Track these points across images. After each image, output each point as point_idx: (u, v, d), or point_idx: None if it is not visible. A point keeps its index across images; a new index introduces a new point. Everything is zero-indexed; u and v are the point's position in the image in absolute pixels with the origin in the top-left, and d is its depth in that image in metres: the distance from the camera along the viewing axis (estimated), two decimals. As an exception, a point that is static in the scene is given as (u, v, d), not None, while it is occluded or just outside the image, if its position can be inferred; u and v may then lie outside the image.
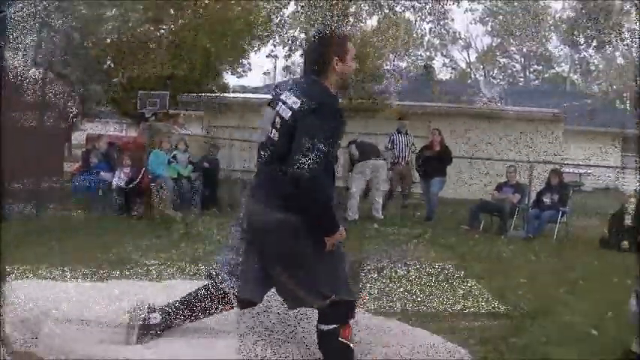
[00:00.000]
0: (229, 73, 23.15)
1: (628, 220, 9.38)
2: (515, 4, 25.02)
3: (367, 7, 16.27)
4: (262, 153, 3.28)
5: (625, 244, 9.00)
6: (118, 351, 3.25)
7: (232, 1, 18.48)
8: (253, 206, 3.26)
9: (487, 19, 38.90)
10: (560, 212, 10.08)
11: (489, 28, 40.22)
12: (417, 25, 17.27)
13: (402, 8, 16.38)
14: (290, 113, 3.10)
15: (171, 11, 18.80)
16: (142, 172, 10.45)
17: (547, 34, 31.11)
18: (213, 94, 19.31)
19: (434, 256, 7.40)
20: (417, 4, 15.87)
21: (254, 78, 58.75)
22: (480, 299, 5.30)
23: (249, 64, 23.09)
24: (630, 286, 4.52)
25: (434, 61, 33.35)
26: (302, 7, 15.93)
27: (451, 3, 16.22)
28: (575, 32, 18.52)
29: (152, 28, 18.65)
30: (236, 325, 3.70)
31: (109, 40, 18.62)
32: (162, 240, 7.61)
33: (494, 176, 12.71)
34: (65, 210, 9.88)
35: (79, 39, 17.83)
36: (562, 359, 4.01)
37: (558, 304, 5.36)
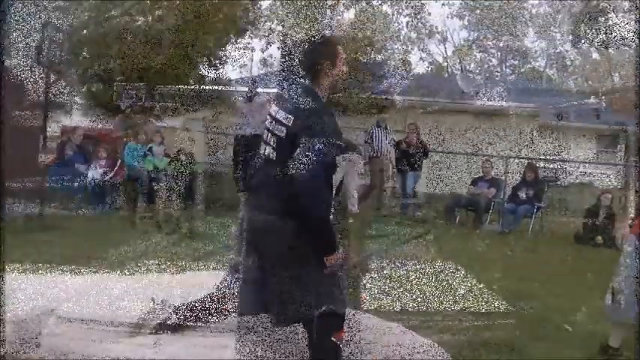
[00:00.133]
0: (206, 65, 22.98)
1: (602, 216, 9.48)
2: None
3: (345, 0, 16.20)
4: (258, 171, 3.21)
5: (599, 239, 9.09)
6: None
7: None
8: (256, 223, 3.17)
9: (464, 12, 39.00)
10: (536, 207, 10.14)
11: (466, 22, 40.36)
12: (394, 19, 17.29)
13: (379, 1, 16.37)
14: (285, 131, 3.05)
15: (148, 2, 18.58)
16: (118, 164, 10.41)
17: (523, 28, 31.25)
18: (190, 87, 19.14)
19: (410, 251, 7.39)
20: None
21: (231, 71, 58.40)
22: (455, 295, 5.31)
23: (225, 56, 22.98)
24: (604, 281, 4.54)
25: (410, 55, 33.36)
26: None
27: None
28: (552, 28, 18.65)
29: (129, 20, 18.42)
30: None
31: (84, 31, 18.35)
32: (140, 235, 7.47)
33: (471, 171, 12.74)
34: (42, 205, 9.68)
35: (54, 29, 17.55)
36: (536, 354, 4.03)
37: (533, 299, 5.38)
